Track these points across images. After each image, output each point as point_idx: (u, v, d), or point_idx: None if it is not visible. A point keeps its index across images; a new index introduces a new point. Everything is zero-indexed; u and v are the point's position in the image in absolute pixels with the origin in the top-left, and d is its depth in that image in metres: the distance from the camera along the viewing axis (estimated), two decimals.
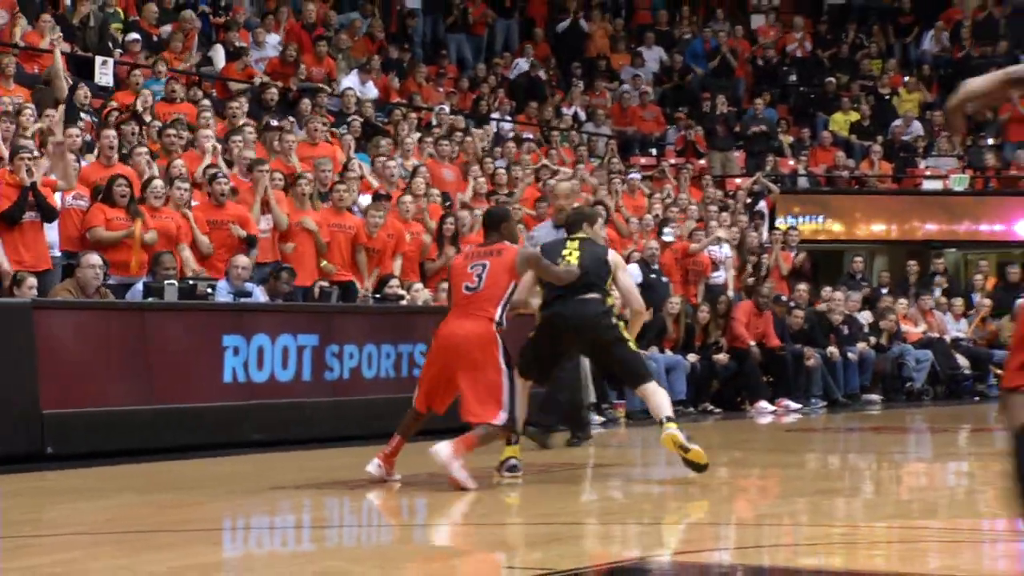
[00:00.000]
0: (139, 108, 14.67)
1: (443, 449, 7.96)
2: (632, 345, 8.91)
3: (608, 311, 8.85)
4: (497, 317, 8.25)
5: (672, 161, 21.69)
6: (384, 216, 14.08)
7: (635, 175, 20.02)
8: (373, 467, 8.38)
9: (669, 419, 8.57)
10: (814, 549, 6.39)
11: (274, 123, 15.72)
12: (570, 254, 9.03)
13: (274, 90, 17.24)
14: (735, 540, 6.87)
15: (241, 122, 15.18)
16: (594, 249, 9.10)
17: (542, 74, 23.44)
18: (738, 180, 22.04)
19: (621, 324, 8.95)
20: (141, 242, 11.97)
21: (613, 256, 9.12)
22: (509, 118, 21.49)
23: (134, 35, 16.95)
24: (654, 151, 22.96)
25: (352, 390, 11.82)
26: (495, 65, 23.20)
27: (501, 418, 8.11)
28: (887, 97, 24.13)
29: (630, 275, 9.00)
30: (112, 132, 13.05)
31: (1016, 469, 3.34)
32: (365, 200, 14.64)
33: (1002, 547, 6.33)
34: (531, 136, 20.45)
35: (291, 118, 16.50)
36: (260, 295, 12.23)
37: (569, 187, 11.14)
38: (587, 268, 8.89)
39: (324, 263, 13.55)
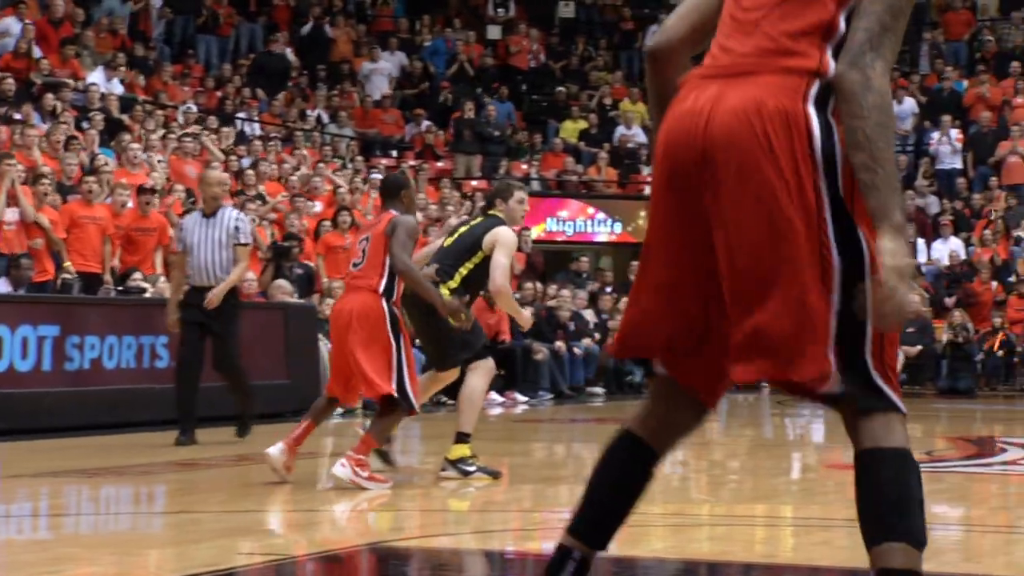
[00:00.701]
0: None
1: (339, 471, 7.74)
2: (452, 323, 8.29)
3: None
4: (382, 288, 7.93)
5: (411, 163, 22.19)
6: (130, 198, 14.32)
7: (376, 175, 20.51)
8: (276, 450, 8.04)
9: (463, 436, 8.40)
10: (538, 534, 6.59)
11: (17, 116, 15.69)
12: (456, 232, 8.74)
13: (11, 82, 17.16)
14: (464, 525, 7.10)
15: None
16: (477, 228, 8.60)
17: (288, 53, 23.89)
18: (474, 182, 22.76)
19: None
20: None
21: (493, 234, 8.48)
22: (256, 117, 21.81)
23: None
24: (395, 152, 23.53)
25: (93, 380, 11.90)
26: (240, 66, 23.47)
27: (390, 389, 7.80)
28: (612, 107, 25.21)
29: (507, 253, 8.41)
30: None
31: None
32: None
33: (708, 531, 6.64)
34: (277, 135, 20.79)
35: (33, 111, 16.46)
36: (2, 286, 12.24)
37: (218, 176, 11.12)
38: (448, 249, 8.58)
39: (66, 263, 13.61)
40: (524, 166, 23.57)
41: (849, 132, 3.08)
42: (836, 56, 3.15)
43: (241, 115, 21.45)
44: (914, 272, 20.65)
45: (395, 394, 7.78)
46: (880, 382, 3.16)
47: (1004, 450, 10.89)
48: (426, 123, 24.02)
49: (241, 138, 20.26)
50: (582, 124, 24.68)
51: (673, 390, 3.38)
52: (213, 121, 19.62)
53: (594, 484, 3.38)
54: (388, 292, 7.93)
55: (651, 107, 3.54)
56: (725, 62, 3.25)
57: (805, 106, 3.12)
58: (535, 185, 23.32)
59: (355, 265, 8.11)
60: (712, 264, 3.17)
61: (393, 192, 8.30)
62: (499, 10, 27.28)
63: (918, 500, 3.13)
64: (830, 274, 3.10)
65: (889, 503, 3.11)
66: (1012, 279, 20.62)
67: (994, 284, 20.75)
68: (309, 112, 22.93)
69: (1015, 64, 23.84)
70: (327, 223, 17.23)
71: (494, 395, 16.69)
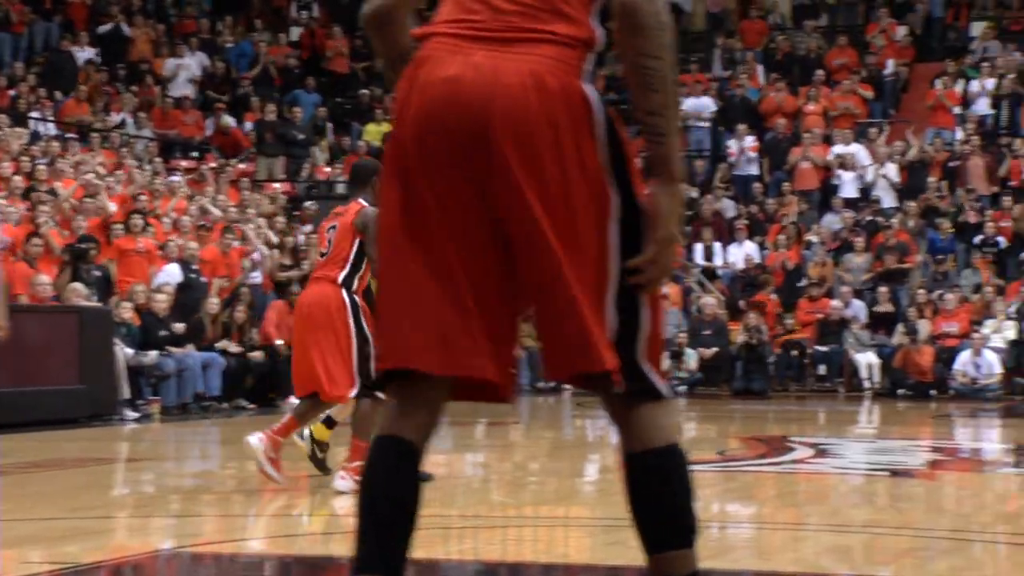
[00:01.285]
0: None
1: (340, 484, 7.72)
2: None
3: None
4: (341, 278, 7.71)
5: (213, 164, 21.98)
6: None
7: (176, 177, 20.24)
8: (254, 439, 7.87)
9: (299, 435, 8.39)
10: (344, 537, 6.44)
11: None
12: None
13: None
14: (264, 531, 7.09)
15: None
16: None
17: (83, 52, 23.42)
18: (276, 184, 22.59)
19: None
20: None
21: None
22: (51, 117, 21.32)
23: None
24: (196, 154, 23.24)
25: None
26: (35, 64, 22.94)
27: (353, 391, 7.68)
28: None
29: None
30: None
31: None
32: None
33: (507, 532, 6.73)
34: (74, 136, 20.35)
35: None
36: None
37: None
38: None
39: None
40: (327, 169, 23.46)
41: (641, 71, 2.86)
42: (603, 23, 2.94)
43: (35, 115, 20.94)
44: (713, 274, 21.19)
45: (350, 396, 7.69)
46: (647, 369, 3.03)
47: (793, 449, 11.22)
48: (228, 123, 23.73)
49: (35, 138, 19.78)
50: (386, 127, 24.66)
51: (433, 388, 3.04)
52: (5, 120, 19.12)
53: (381, 506, 3.01)
54: (348, 282, 7.71)
55: (386, 70, 3.16)
56: (484, 19, 2.92)
57: (582, 84, 2.90)
58: (340, 188, 23.27)
59: (322, 255, 7.92)
60: (480, 246, 2.92)
61: (364, 179, 7.92)
62: (302, 12, 27.11)
63: (689, 495, 3.09)
64: (610, 260, 2.95)
65: (663, 511, 3.09)
66: (803, 283, 21.20)
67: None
68: (114, 115, 22.48)
69: (819, 72, 24.47)
70: (118, 226, 16.72)
71: (294, 399, 16.49)
